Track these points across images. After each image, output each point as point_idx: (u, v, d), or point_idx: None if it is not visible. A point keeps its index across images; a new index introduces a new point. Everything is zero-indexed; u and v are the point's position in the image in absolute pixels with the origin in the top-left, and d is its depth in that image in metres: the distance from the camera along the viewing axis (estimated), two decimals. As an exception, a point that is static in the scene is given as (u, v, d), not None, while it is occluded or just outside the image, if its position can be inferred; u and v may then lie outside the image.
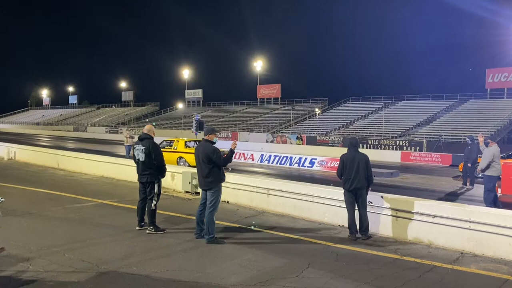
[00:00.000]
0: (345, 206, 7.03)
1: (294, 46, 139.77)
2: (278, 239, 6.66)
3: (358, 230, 6.88)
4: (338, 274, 5.15)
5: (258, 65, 62.22)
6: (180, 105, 72.30)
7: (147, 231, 6.85)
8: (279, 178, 12.90)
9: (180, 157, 16.89)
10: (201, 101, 68.89)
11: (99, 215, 8.19)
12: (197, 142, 18.11)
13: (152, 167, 6.92)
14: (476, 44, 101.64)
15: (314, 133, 40.38)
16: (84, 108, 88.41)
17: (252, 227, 6.95)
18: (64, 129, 68.40)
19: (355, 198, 6.90)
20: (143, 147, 6.89)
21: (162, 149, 16.80)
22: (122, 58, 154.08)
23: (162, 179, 7.16)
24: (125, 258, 5.62)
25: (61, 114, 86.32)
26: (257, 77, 62.17)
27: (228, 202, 9.49)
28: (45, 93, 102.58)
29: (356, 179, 6.80)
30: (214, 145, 6.49)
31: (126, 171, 13.09)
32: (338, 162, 7.25)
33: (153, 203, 6.92)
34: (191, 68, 73.80)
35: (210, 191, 6.39)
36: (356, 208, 6.95)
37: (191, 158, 15.86)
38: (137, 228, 7.03)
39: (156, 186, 6.98)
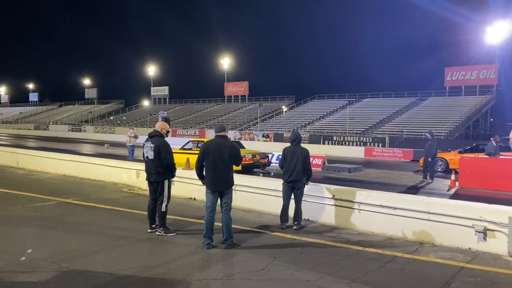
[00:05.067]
0: (282, 196, 7.38)
1: (261, 43, 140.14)
2: (244, 234, 6.68)
3: (294, 219, 7.18)
4: (303, 266, 5.24)
5: (225, 62, 61.90)
6: (145, 103, 71.06)
7: (157, 233, 6.58)
8: (246, 174, 12.92)
9: None
10: (167, 98, 67.95)
11: (61, 214, 7.97)
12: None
13: (161, 166, 6.60)
14: (436, 43, 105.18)
15: (281, 130, 40.67)
16: (45, 106, 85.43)
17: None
18: (24, 127, 65.84)
19: (292, 189, 7.21)
20: (152, 145, 6.56)
21: (188, 151, 16.60)
22: (85, 54, 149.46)
23: (169, 179, 6.77)
24: (88, 256, 5.51)
25: (21, 112, 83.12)
26: (224, 75, 61.95)
27: (194, 199, 9.45)
28: (2, 90, 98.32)
29: (294, 171, 7.12)
30: None
31: (90, 169, 12.82)
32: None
33: (164, 205, 6.61)
34: (157, 64, 72.48)
35: (227, 192, 6.10)
36: (293, 198, 7.27)
37: None
38: (149, 230, 6.71)
39: (166, 186, 6.67)
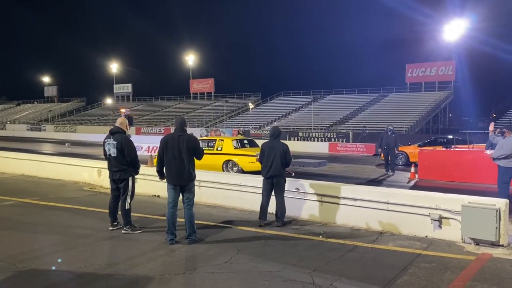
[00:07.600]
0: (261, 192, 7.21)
1: (227, 40, 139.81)
2: (208, 229, 6.68)
3: (276, 216, 7.05)
4: (266, 258, 5.31)
5: (190, 59, 61.34)
6: (108, 101, 69.32)
7: (123, 231, 6.45)
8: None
9: (228, 161, 13.65)
10: (131, 96, 66.63)
11: (18, 214, 7.72)
12: (238, 141, 14.73)
13: (124, 163, 6.48)
14: (398, 41, 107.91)
15: (248, 127, 40.73)
16: (2, 105, 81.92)
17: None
18: (-22, 127, 63.00)
19: (272, 185, 7.09)
20: (115, 142, 6.41)
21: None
22: (44, 51, 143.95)
23: (133, 176, 6.67)
24: (46, 255, 5.38)
25: (-25, 111, 79.46)
26: (189, 72, 61.37)
27: (158, 196, 9.35)
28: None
29: (272, 167, 6.99)
30: None
31: (49, 168, 12.45)
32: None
33: (128, 202, 6.49)
34: (120, 61, 70.93)
35: (189, 186, 6.00)
36: (273, 194, 7.13)
37: (244, 162, 13.30)
38: (110, 228, 6.59)
39: (130, 183, 6.55)
